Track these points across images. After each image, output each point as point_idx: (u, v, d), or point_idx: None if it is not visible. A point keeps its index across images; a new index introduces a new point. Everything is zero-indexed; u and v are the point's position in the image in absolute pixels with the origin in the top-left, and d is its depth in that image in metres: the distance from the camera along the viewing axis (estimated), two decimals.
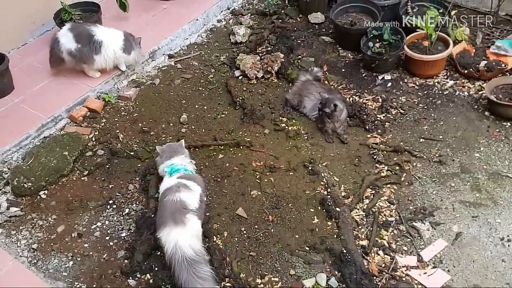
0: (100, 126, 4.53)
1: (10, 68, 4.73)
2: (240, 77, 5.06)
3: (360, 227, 3.66)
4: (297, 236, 3.62)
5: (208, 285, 3.10)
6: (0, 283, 3.35)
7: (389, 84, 4.90)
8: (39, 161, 4.06)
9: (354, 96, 4.78)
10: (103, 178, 4.09)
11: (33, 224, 3.78)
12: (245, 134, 4.45)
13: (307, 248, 3.54)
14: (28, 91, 4.75)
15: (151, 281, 3.36)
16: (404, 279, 3.33)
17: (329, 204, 3.76)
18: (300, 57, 5.28)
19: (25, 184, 3.92)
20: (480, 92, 4.68)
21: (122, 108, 4.73)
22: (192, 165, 3.76)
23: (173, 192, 3.32)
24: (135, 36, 4.91)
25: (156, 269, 3.41)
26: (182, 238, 3.15)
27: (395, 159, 4.13)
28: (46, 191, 3.98)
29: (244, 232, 3.66)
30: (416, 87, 4.85)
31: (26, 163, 4.07)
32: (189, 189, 3.38)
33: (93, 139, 4.40)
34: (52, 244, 3.65)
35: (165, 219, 3.23)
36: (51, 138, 4.37)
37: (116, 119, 4.62)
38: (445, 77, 4.93)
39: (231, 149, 4.31)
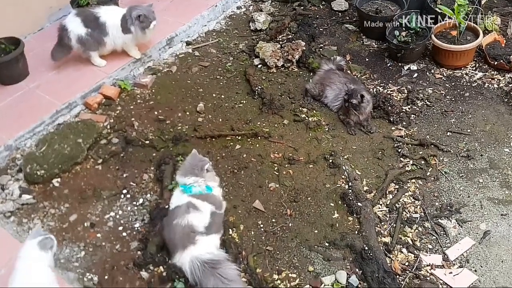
0: (115, 114, 4.43)
1: (25, 53, 4.64)
2: (259, 66, 4.93)
3: (382, 223, 3.54)
4: (316, 231, 3.50)
5: (236, 285, 3.03)
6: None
7: (415, 74, 4.75)
8: (53, 148, 3.97)
9: (378, 87, 4.64)
10: (117, 167, 4.00)
11: (45, 213, 3.69)
12: (264, 124, 4.32)
13: (327, 244, 3.42)
14: (43, 77, 4.66)
15: (164, 273, 3.26)
16: (428, 278, 3.21)
17: (350, 198, 3.63)
18: (322, 45, 5.14)
19: (37, 172, 3.84)
20: (510, 85, 4.52)
21: (138, 96, 4.63)
22: (212, 182, 3.49)
23: (182, 214, 3.17)
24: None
25: (170, 261, 3.30)
26: (195, 252, 3.08)
27: (420, 153, 4.00)
28: (59, 179, 3.89)
29: (261, 225, 3.55)
30: (443, 78, 4.69)
31: (39, 150, 3.98)
32: (198, 210, 3.22)
33: (108, 127, 4.30)
34: (64, 233, 3.56)
35: (175, 246, 3.15)
36: (65, 125, 4.28)
37: (132, 107, 4.51)
38: (474, 68, 4.78)
39: (249, 139, 4.18)
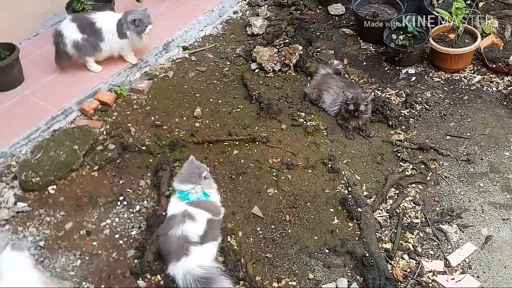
0: (112, 120, 4.39)
1: (20, 59, 4.60)
2: (257, 70, 4.90)
3: (383, 229, 3.49)
4: (316, 237, 3.45)
5: None
6: None
7: (413, 78, 4.72)
8: (48, 155, 3.93)
9: (376, 91, 4.61)
10: (113, 174, 3.95)
11: (40, 221, 3.64)
12: (261, 129, 4.28)
13: (327, 251, 3.37)
14: (38, 83, 4.62)
15: (161, 282, 3.22)
16: (430, 285, 3.16)
17: (350, 204, 3.58)
18: (319, 49, 5.12)
19: (33, 179, 3.79)
20: (509, 88, 4.49)
21: (134, 101, 4.58)
22: (210, 188, 3.42)
23: (177, 224, 3.11)
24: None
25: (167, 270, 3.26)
26: (189, 264, 3.03)
27: (420, 157, 3.96)
28: (54, 186, 3.84)
29: (260, 232, 3.50)
30: (441, 81, 4.67)
31: (34, 156, 3.94)
32: (194, 219, 3.15)
33: (104, 133, 4.26)
34: (59, 241, 3.51)
35: (170, 257, 3.12)
36: (61, 131, 4.24)
37: (128, 113, 4.46)
38: (472, 71, 4.76)
39: (247, 144, 4.14)
